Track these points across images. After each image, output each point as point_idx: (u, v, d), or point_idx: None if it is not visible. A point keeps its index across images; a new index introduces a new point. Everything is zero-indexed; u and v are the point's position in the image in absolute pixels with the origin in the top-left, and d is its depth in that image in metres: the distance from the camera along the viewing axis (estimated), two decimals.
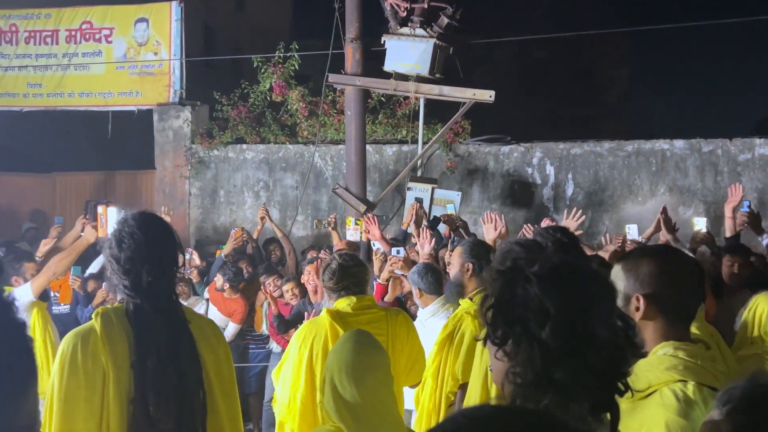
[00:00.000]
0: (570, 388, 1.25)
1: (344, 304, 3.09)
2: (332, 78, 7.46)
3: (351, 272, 3.13)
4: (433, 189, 7.26)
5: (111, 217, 4.61)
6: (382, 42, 7.25)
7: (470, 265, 3.25)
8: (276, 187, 9.36)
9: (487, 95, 6.83)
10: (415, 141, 8.57)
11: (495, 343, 1.31)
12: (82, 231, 4.54)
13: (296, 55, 8.89)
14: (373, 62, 7.92)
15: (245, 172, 9.44)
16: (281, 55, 8.95)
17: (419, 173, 7.89)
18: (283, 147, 9.29)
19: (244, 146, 9.41)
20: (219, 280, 5.84)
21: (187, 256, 6.59)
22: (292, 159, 9.28)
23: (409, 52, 7.12)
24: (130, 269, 2.15)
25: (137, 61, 9.47)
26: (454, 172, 8.50)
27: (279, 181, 9.34)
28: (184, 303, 5.67)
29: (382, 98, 8.78)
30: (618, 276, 1.77)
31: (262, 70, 9.07)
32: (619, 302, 1.63)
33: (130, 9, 9.57)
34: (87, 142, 10.89)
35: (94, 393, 2.02)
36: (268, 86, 9.09)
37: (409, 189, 7.37)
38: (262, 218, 6.96)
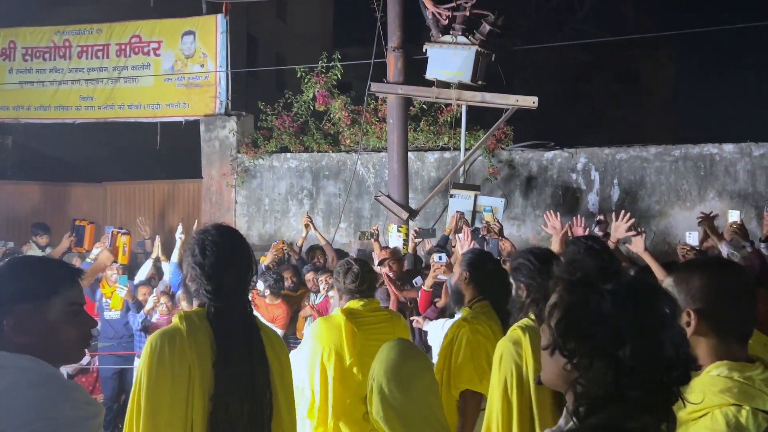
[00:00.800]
0: (639, 405, 1.27)
1: (357, 305, 3.31)
2: (374, 87, 7.52)
3: (368, 277, 3.38)
4: (476, 195, 7.25)
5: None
6: (424, 50, 7.27)
7: (467, 274, 3.32)
8: (319, 194, 9.47)
9: (530, 101, 6.79)
10: (457, 148, 8.57)
11: (564, 356, 1.33)
12: (69, 248, 4.70)
13: (338, 65, 8.99)
14: (414, 70, 7.96)
15: (289, 180, 9.58)
16: (324, 64, 9.06)
17: (462, 180, 7.89)
18: (326, 155, 9.40)
19: (288, 155, 9.56)
20: (260, 285, 5.96)
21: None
22: (335, 167, 9.38)
23: (450, 60, 7.12)
24: (213, 275, 2.29)
25: (184, 73, 9.70)
26: (497, 179, 8.47)
27: (322, 188, 9.45)
28: None
29: (424, 106, 8.81)
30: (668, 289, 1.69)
31: (306, 80, 9.20)
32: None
33: (178, 22, 9.81)
34: (136, 152, 11.18)
35: (180, 388, 2.16)
36: (311, 96, 9.22)
37: (451, 196, 7.38)
38: (306, 226, 7.03)
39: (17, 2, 10.84)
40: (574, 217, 4.64)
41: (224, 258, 2.30)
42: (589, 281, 1.34)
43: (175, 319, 2.30)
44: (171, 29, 9.79)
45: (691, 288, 1.68)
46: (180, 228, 6.85)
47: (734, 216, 5.23)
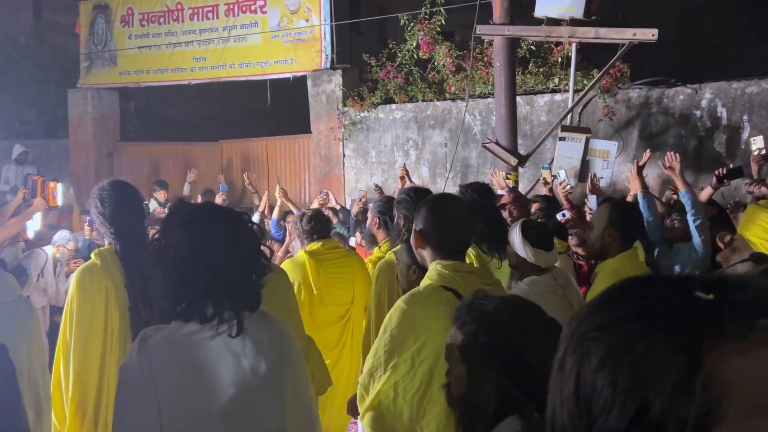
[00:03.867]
0: (206, 302, 1.83)
1: (317, 246, 3.92)
2: (480, 29, 7.30)
3: (321, 219, 4.09)
4: (587, 139, 6.93)
5: (59, 190, 6.06)
6: None
7: (377, 219, 3.97)
8: (425, 144, 9.41)
9: (649, 34, 6.37)
10: (568, 90, 8.21)
11: (156, 265, 1.90)
12: (24, 199, 5.56)
13: (442, 10, 8.78)
14: (521, 11, 7.65)
15: (395, 131, 9.57)
16: (428, 10, 8.89)
17: (576, 123, 7.57)
18: (431, 104, 9.29)
19: (393, 106, 9.52)
20: (357, 236, 6.13)
21: (323, 195, 7.12)
22: (441, 116, 9.26)
23: None
24: (113, 221, 3.00)
25: (290, 29, 9.82)
26: (612, 119, 8.04)
27: (428, 138, 9.38)
28: None
29: (532, 47, 8.47)
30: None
31: (409, 28, 9.07)
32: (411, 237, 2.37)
33: None
34: (248, 110, 11.54)
35: (99, 306, 2.92)
36: (414, 44, 9.09)
37: (561, 139, 7.10)
38: (402, 178, 7.03)
39: None
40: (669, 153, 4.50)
41: (118, 206, 3.00)
42: (171, 214, 1.94)
43: (93, 256, 3.01)
44: None
45: (418, 214, 2.34)
46: (278, 188, 7.12)
47: None
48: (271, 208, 7.44)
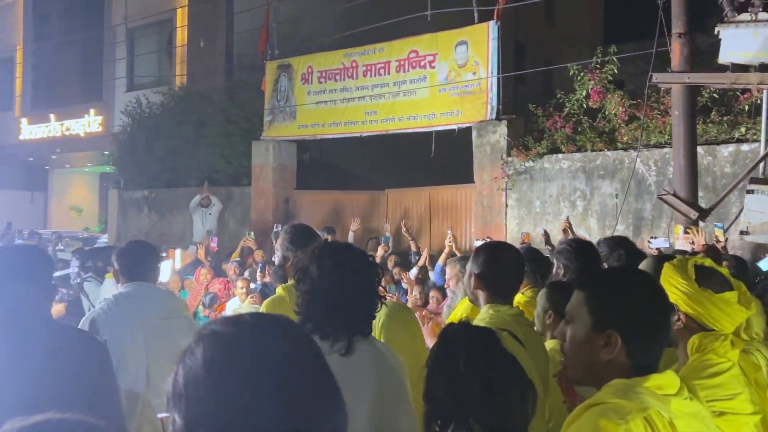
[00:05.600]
0: (326, 323, 2.19)
1: None
2: (657, 77, 7.05)
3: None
4: None
5: (177, 257, 7.45)
6: (716, 32, 6.66)
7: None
8: (593, 195, 9.11)
9: None
10: (756, 139, 7.63)
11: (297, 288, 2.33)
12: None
13: (615, 59, 8.59)
14: (699, 57, 7.31)
15: (561, 181, 9.38)
16: (598, 60, 8.73)
17: (766, 175, 7.00)
18: (601, 154, 9.02)
19: (560, 156, 9.36)
20: None
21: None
22: (611, 166, 8.95)
23: (749, 40, 6.43)
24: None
25: (457, 82, 10.06)
26: None
27: (596, 189, 9.08)
28: None
29: (715, 94, 7.99)
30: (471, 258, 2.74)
31: (579, 78, 8.95)
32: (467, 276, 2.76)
33: (452, 34, 10.21)
34: (413, 160, 11.90)
35: None
36: (584, 93, 8.94)
37: (749, 192, 6.58)
38: (565, 231, 6.95)
39: (314, 33, 12.32)
40: None
41: (308, 244, 3.10)
42: (312, 249, 2.36)
43: (280, 290, 3.29)
44: (445, 41, 10.22)
45: (477, 259, 2.67)
46: (449, 235, 7.31)
47: None
48: (433, 261, 7.62)
